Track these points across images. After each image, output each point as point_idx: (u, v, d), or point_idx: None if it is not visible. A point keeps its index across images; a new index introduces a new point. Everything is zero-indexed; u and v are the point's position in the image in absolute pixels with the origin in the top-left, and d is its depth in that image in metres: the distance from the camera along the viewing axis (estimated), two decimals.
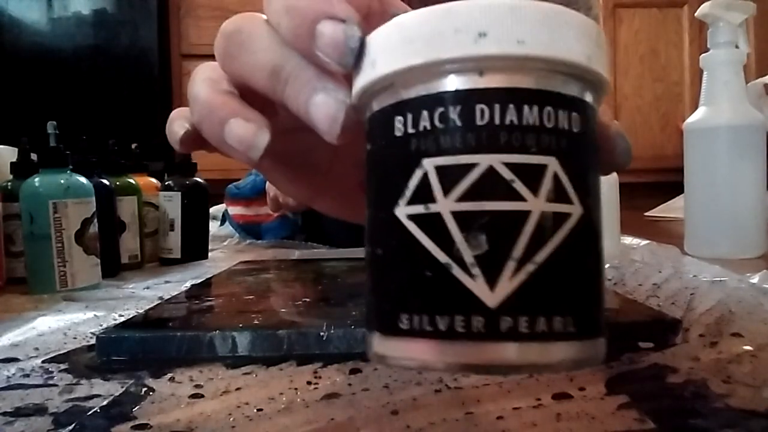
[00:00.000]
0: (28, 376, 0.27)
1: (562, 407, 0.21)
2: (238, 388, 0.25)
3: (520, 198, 0.15)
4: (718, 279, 0.45)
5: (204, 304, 0.39)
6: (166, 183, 0.72)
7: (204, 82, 0.22)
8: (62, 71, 1.88)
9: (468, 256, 0.15)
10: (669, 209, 1.23)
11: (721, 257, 0.58)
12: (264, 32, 0.21)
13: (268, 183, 0.87)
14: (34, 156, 0.57)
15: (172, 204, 0.71)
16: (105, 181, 0.61)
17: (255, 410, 0.22)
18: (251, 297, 0.41)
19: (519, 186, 0.15)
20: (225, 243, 0.93)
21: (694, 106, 0.65)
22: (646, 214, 1.29)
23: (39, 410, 0.23)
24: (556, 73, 0.16)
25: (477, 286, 0.15)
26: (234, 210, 0.95)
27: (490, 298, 0.15)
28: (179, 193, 0.71)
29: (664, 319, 0.30)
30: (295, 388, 0.24)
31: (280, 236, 0.90)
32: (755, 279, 0.44)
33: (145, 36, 1.92)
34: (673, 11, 2.03)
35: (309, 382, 0.25)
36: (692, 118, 0.63)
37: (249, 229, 0.94)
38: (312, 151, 0.27)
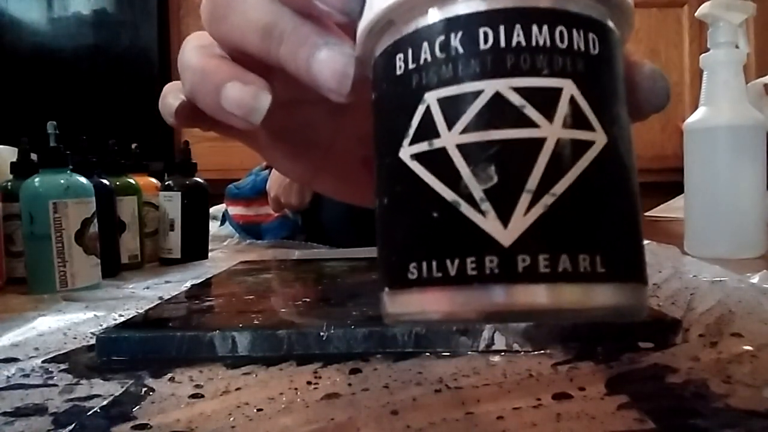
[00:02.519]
0: (28, 376, 0.27)
1: (562, 407, 0.21)
2: (238, 388, 0.25)
3: (532, 124, 0.13)
4: (718, 279, 0.45)
5: (204, 304, 0.39)
6: (166, 183, 0.72)
7: (194, 49, 0.21)
8: (62, 71, 1.88)
9: (477, 191, 0.13)
10: (669, 209, 1.23)
11: (721, 257, 0.58)
12: None
13: (268, 183, 0.88)
14: (34, 156, 0.57)
15: (172, 204, 0.71)
16: (105, 181, 0.61)
17: (255, 410, 0.22)
18: (251, 297, 0.41)
19: (531, 111, 0.13)
20: (225, 243, 0.93)
21: (694, 106, 0.65)
22: (646, 214, 1.29)
23: (39, 410, 0.23)
24: None
25: (488, 223, 0.13)
26: (234, 210, 0.95)
27: (504, 235, 0.13)
28: (179, 193, 0.71)
29: (664, 319, 0.30)
30: (295, 388, 0.24)
31: (280, 236, 0.90)
32: (755, 279, 0.44)
33: (145, 36, 1.92)
34: (673, 11, 2.02)
35: (309, 382, 0.25)
36: (692, 118, 0.63)
37: (249, 229, 0.94)
38: (312, 125, 0.26)
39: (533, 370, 0.25)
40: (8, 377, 0.27)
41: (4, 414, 0.22)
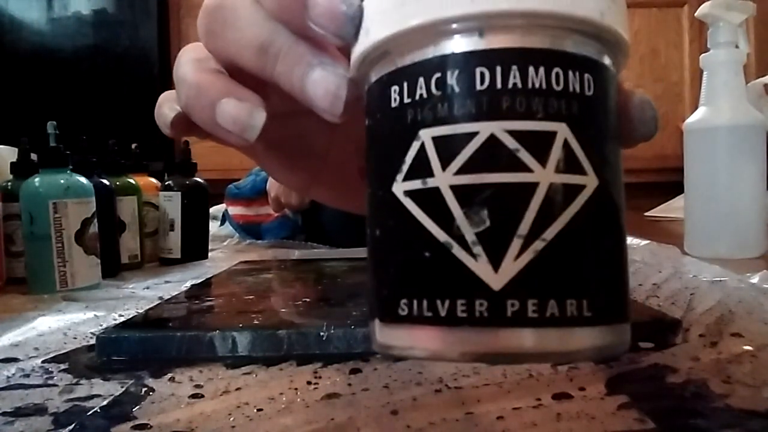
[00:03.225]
0: (28, 376, 0.27)
1: (562, 407, 0.21)
2: (238, 388, 0.25)
3: (525, 168, 0.13)
4: (718, 279, 0.45)
5: (204, 304, 0.39)
6: (166, 183, 0.72)
7: (189, 62, 0.21)
8: (62, 71, 1.88)
9: (469, 233, 0.13)
10: (669, 209, 1.23)
11: (721, 257, 0.58)
12: (248, 6, 0.19)
13: (268, 183, 0.88)
14: (34, 156, 0.57)
15: (172, 204, 0.71)
16: (105, 181, 0.61)
17: (255, 410, 0.22)
18: (251, 297, 0.41)
19: (524, 155, 0.13)
20: (225, 243, 0.93)
21: (694, 106, 0.65)
22: (646, 214, 1.29)
23: (39, 410, 0.23)
24: (566, 30, 0.14)
25: (479, 266, 0.13)
26: (234, 210, 0.95)
27: (494, 279, 0.13)
28: (179, 193, 0.71)
29: (664, 319, 0.30)
30: (295, 388, 0.24)
31: (280, 236, 0.90)
32: (755, 279, 0.44)
33: (145, 36, 1.92)
34: (673, 11, 2.02)
35: (309, 382, 0.25)
36: (692, 118, 0.63)
37: (249, 229, 0.94)
38: (308, 135, 0.26)
39: (533, 370, 0.25)
40: (8, 377, 0.27)
41: (4, 414, 0.22)
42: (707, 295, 0.39)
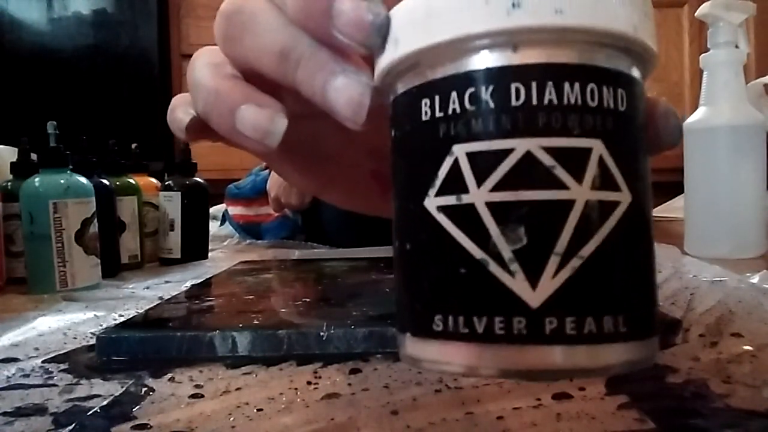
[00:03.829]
0: (28, 376, 0.27)
1: (562, 407, 0.21)
2: (238, 388, 0.25)
3: (562, 186, 0.13)
4: (718, 279, 0.45)
5: (204, 304, 0.39)
6: (166, 183, 0.72)
7: (206, 67, 0.21)
8: (62, 71, 1.88)
9: (506, 251, 0.13)
10: (669, 209, 1.23)
11: (721, 257, 0.58)
12: (267, 11, 0.19)
13: (269, 183, 0.88)
14: (34, 156, 0.57)
15: (172, 204, 0.71)
16: (105, 181, 0.61)
17: (255, 410, 0.22)
18: (251, 297, 0.41)
19: (560, 172, 0.13)
20: (225, 243, 0.93)
21: (694, 106, 0.65)
22: None
23: (39, 410, 0.23)
24: (600, 45, 0.14)
25: (517, 284, 0.13)
26: (234, 210, 0.95)
27: (532, 297, 0.13)
28: (179, 193, 0.71)
29: (664, 319, 0.30)
30: (295, 388, 0.24)
31: (280, 236, 0.90)
32: (755, 279, 0.44)
33: (145, 36, 1.92)
34: (673, 11, 2.02)
35: (309, 382, 0.25)
36: (692, 118, 0.63)
37: (249, 229, 0.94)
38: (322, 139, 0.25)
39: None
40: (8, 377, 0.27)
41: (4, 414, 0.22)
42: (707, 295, 0.39)
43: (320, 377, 0.26)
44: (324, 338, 0.29)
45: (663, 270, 0.50)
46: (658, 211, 1.28)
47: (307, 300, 0.41)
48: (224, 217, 1.00)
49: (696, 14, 0.64)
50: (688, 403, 0.22)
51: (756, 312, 0.34)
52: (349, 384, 0.25)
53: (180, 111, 0.22)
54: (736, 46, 0.61)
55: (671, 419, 0.20)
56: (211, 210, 0.82)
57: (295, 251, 0.79)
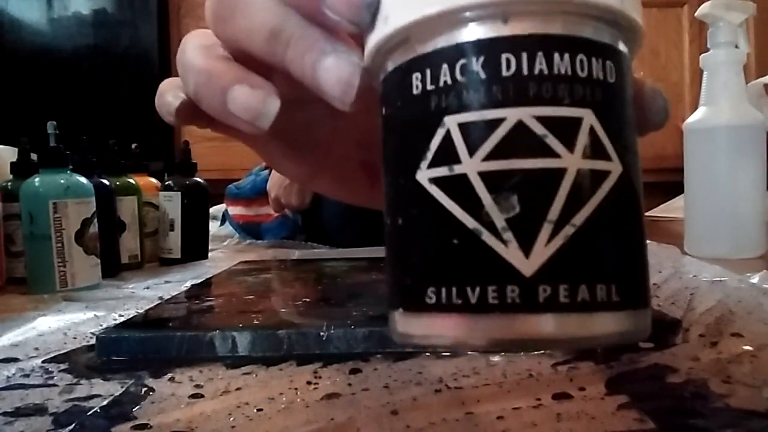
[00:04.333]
0: (28, 376, 0.27)
1: (562, 407, 0.21)
2: (238, 388, 0.25)
3: (554, 154, 0.13)
4: (718, 279, 0.45)
5: (204, 304, 0.39)
6: (166, 183, 0.72)
7: (197, 48, 0.20)
8: (62, 71, 1.88)
9: (499, 219, 0.13)
10: (669, 209, 1.23)
11: (721, 257, 0.58)
12: None
13: (269, 184, 0.88)
14: (34, 156, 0.57)
15: (172, 204, 0.71)
16: (105, 181, 0.61)
17: (255, 410, 0.22)
18: (251, 297, 0.41)
19: (552, 141, 0.13)
20: (225, 243, 0.93)
21: (694, 106, 0.65)
22: (646, 214, 1.29)
23: (39, 410, 0.23)
24: (587, 17, 0.14)
25: (510, 252, 0.13)
26: (234, 210, 0.95)
27: (526, 265, 0.13)
28: (179, 193, 0.71)
29: (664, 319, 0.30)
30: (295, 388, 0.24)
31: (280, 236, 0.90)
32: (755, 279, 0.44)
33: (145, 36, 1.92)
34: (673, 11, 2.02)
35: (309, 382, 0.25)
36: (692, 118, 0.63)
37: (249, 229, 0.94)
38: (312, 126, 0.25)
39: (533, 370, 0.25)
40: (8, 377, 0.27)
41: (4, 414, 0.22)
42: (707, 295, 0.39)
43: (320, 377, 0.26)
44: (324, 338, 0.29)
45: (663, 270, 0.50)
46: (658, 211, 1.28)
47: (307, 300, 0.41)
48: (224, 217, 1.00)
49: (696, 14, 0.64)
50: (688, 403, 0.22)
51: (756, 312, 0.34)
52: (349, 384, 0.25)
53: (169, 95, 0.22)
54: (736, 46, 0.61)
55: (671, 419, 0.20)
56: (211, 210, 0.82)
57: (295, 251, 0.79)
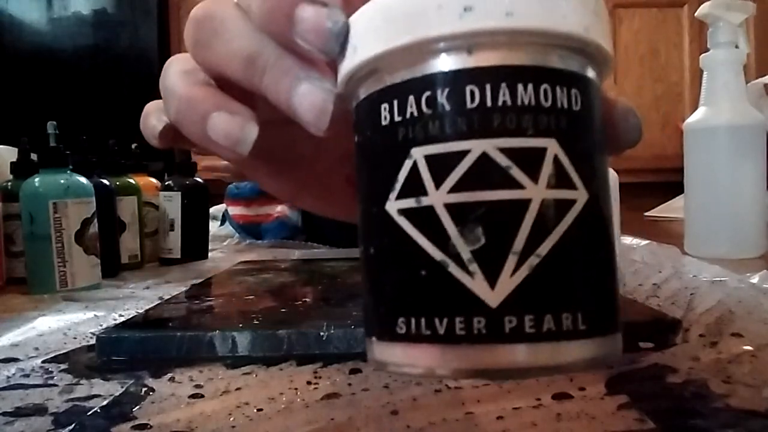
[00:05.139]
0: (28, 376, 0.27)
1: (562, 407, 0.21)
2: (238, 388, 0.25)
3: (518, 185, 0.14)
4: (718, 279, 0.45)
5: (204, 304, 0.39)
6: (166, 183, 0.72)
7: (178, 74, 0.21)
8: (62, 71, 1.88)
9: (465, 251, 0.14)
10: (669, 209, 1.23)
11: (721, 257, 0.58)
12: (236, 17, 0.19)
13: None
14: (34, 156, 0.57)
15: (172, 204, 0.71)
16: (105, 181, 0.61)
17: (255, 410, 0.22)
18: (251, 297, 0.41)
19: (516, 172, 0.14)
20: (225, 243, 0.93)
21: (694, 106, 0.65)
22: (646, 214, 1.29)
23: (39, 410, 0.23)
24: (552, 46, 0.14)
25: (476, 284, 0.14)
26: (234, 210, 0.95)
27: (491, 296, 0.13)
28: (179, 193, 0.71)
29: (664, 319, 0.30)
30: (295, 388, 0.24)
31: (280, 236, 0.90)
32: (755, 279, 0.44)
33: (145, 36, 1.92)
34: (673, 11, 2.02)
35: (309, 382, 0.25)
36: (692, 118, 0.63)
37: (249, 229, 0.94)
38: (294, 144, 0.25)
39: None
40: (8, 377, 0.27)
41: (4, 414, 0.22)
42: (707, 295, 0.39)
43: (320, 377, 0.26)
44: (324, 338, 0.29)
45: (663, 270, 0.50)
46: (658, 211, 1.28)
47: (307, 300, 0.41)
48: (224, 217, 1.00)
49: (696, 14, 0.64)
50: (688, 403, 0.22)
51: (756, 312, 0.34)
52: (349, 384, 0.25)
53: (153, 118, 0.22)
54: (736, 46, 0.61)
55: (671, 419, 0.20)
56: (211, 210, 0.81)
57: (295, 251, 0.79)
